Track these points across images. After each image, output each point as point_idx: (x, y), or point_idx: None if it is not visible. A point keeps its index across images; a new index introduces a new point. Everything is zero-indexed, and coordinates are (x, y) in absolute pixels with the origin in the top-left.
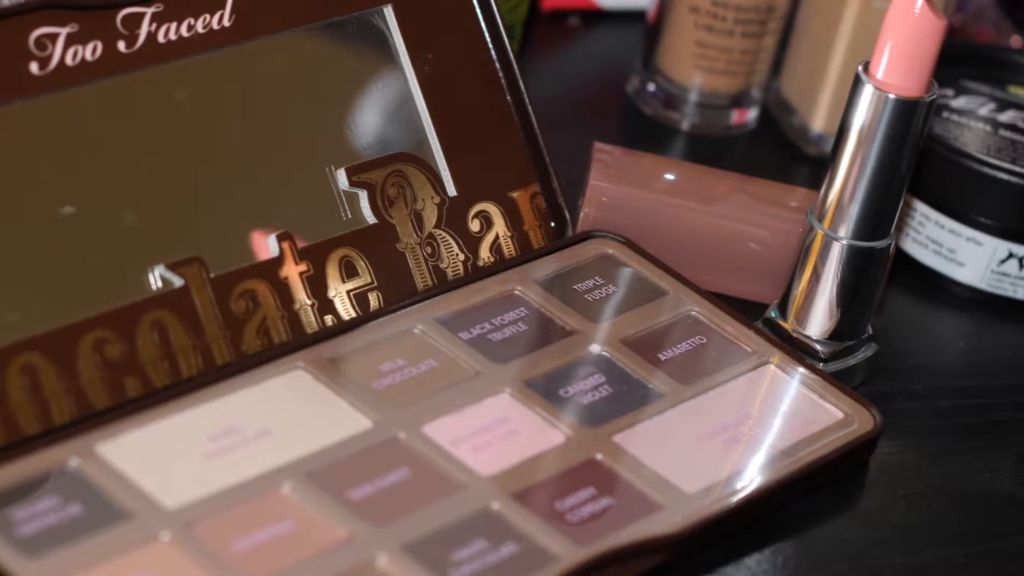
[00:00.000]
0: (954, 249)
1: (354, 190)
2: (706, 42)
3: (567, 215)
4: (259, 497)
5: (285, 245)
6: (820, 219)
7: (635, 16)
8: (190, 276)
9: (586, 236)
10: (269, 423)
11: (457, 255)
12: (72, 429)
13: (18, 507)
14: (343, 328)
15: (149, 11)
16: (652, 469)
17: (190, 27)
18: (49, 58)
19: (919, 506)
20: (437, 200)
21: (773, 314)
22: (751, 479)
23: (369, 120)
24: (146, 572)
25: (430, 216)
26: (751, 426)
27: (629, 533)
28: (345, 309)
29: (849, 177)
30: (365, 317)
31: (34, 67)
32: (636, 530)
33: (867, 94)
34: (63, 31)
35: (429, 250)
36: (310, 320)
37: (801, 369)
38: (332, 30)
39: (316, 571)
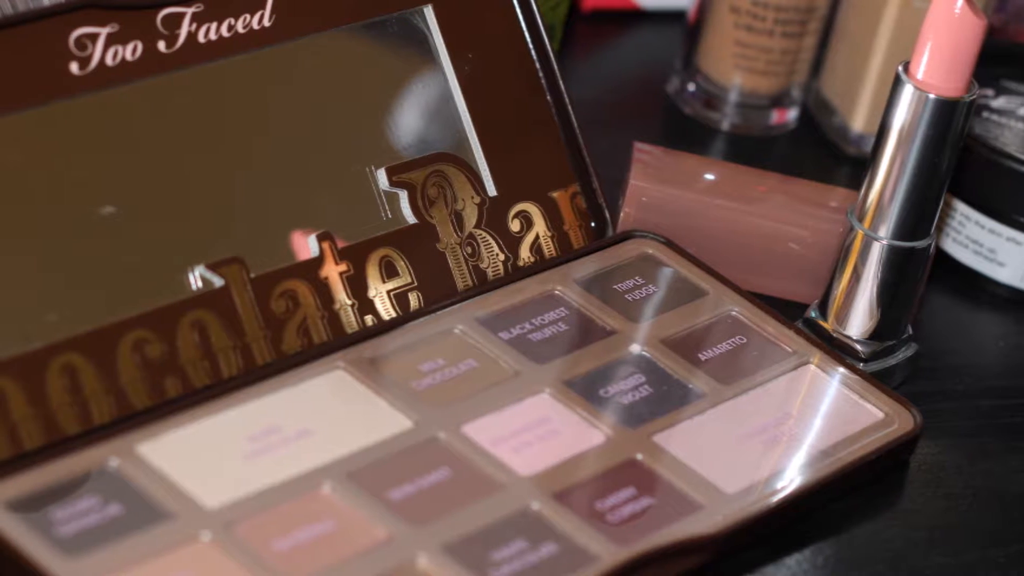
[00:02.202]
0: (994, 249)
1: (394, 190)
2: (746, 42)
3: (607, 215)
4: (299, 497)
5: (325, 245)
6: (860, 219)
7: (675, 16)
8: (230, 276)
9: (626, 236)
10: (309, 423)
11: (497, 255)
12: (112, 429)
13: (58, 507)
14: (383, 328)
15: (189, 11)
16: (692, 469)
17: (230, 27)
18: (89, 58)
19: (960, 506)
20: (477, 200)
21: (813, 314)
22: (791, 479)
23: (409, 120)
24: (186, 572)
25: (470, 216)
26: (791, 426)
27: (669, 533)
28: (385, 309)
29: (889, 177)
30: (405, 317)
31: (74, 67)
32: (676, 530)
33: (907, 94)
34: (103, 31)
35: (469, 250)
36: (350, 320)
37: (841, 369)
38: (372, 30)
39: (356, 571)
